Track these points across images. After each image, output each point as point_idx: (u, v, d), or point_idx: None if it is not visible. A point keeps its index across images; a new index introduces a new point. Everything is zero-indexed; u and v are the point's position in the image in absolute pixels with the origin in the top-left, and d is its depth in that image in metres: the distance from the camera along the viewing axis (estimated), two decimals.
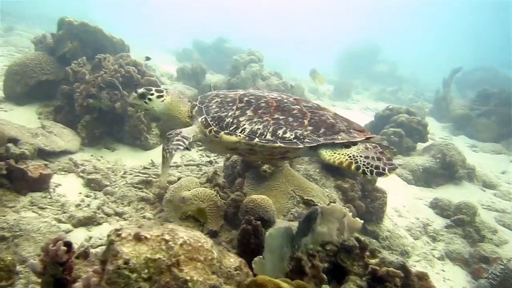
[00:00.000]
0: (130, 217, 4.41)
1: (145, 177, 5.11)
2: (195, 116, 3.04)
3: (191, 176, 5.25)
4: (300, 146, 2.69)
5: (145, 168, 5.59)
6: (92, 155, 5.73)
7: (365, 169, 2.53)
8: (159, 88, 3.18)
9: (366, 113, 16.63)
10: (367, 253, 2.97)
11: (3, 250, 3.55)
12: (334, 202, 4.29)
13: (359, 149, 2.68)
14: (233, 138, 2.79)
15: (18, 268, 3.21)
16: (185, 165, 5.86)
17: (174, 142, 2.77)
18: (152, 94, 3.09)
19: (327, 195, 4.32)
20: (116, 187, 4.86)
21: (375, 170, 2.50)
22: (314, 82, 10.84)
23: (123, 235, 2.22)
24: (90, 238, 3.90)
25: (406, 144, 7.97)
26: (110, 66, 6.11)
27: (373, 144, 2.76)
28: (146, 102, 3.10)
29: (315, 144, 2.69)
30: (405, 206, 6.09)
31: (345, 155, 2.65)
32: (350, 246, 2.88)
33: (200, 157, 6.39)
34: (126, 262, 2.01)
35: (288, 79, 12.16)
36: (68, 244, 2.24)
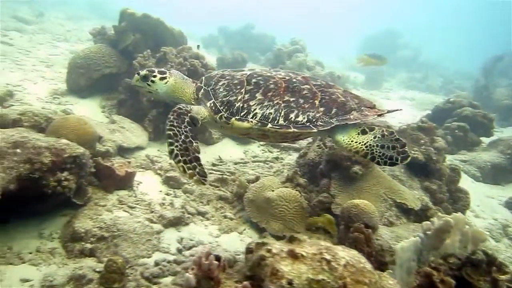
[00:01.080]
0: (212, 216, 4.38)
1: (220, 174, 5.06)
2: (201, 99, 2.93)
3: (266, 174, 5.19)
4: (314, 131, 2.66)
5: (214, 164, 5.55)
6: (159, 150, 5.72)
7: (380, 160, 2.58)
8: (162, 70, 3.08)
9: (405, 102, 16.21)
10: (494, 268, 2.85)
11: (103, 250, 3.57)
12: (427, 205, 4.16)
13: (375, 137, 2.68)
14: (245, 124, 2.72)
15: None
16: (252, 162, 5.79)
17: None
18: (155, 76, 2.98)
19: (418, 198, 4.18)
20: (193, 184, 4.83)
21: (388, 161, 2.56)
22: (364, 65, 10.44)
23: (274, 251, 2.16)
24: (182, 239, 3.89)
25: (470, 139, 7.69)
26: (175, 59, 6.03)
27: (390, 130, 2.73)
28: (149, 84, 2.99)
29: (328, 127, 2.67)
30: (479, 206, 5.90)
31: (361, 144, 2.66)
32: (478, 260, 2.75)
33: (262, 153, 6.32)
34: (290, 283, 1.95)
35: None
36: (218, 258, 2.20)
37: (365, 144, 2.67)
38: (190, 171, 2.47)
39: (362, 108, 2.81)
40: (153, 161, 5.08)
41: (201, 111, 2.85)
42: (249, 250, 2.32)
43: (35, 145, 3.56)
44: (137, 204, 4.19)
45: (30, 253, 3.42)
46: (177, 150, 2.52)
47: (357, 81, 18.75)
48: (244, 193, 4.58)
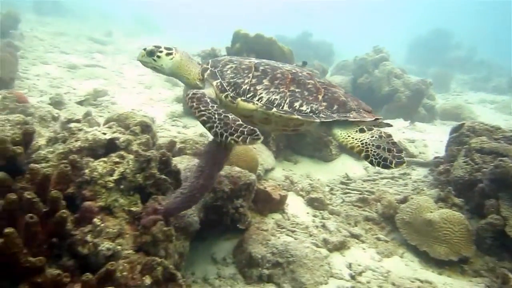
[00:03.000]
0: (366, 239, 4.30)
1: (358, 194, 4.98)
2: (207, 79, 2.89)
3: (406, 192, 5.03)
4: (316, 120, 2.69)
5: (343, 183, 5.48)
6: (283, 169, 5.76)
7: (373, 160, 2.49)
8: (169, 46, 3.02)
9: (486, 106, 15.23)
10: None
11: (280, 276, 3.60)
12: None
13: (373, 137, 2.64)
14: (250, 105, 2.72)
15: None
16: (380, 178, 5.66)
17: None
18: (161, 52, 2.95)
19: None
20: (336, 205, 4.79)
21: (382, 162, 2.47)
22: None
23: None
24: (350, 264, 3.83)
25: None
26: None
27: (388, 133, 2.66)
28: (154, 60, 2.96)
29: (330, 120, 2.70)
30: None
31: (358, 141, 2.64)
32: None
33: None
34: None
35: None
36: None
37: (361, 141, 2.64)
38: (241, 137, 2.38)
39: (361, 110, 2.83)
40: (293, 182, 5.11)
41: (210, 91, 2.82)
42: None
43: None
44: (295, 227, 4.21)
45: (216, 278, 3.53)
46: (219, 130, 2.43)
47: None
48: (393, 213, 4.45)
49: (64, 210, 2.11)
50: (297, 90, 2.79)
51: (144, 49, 3.00)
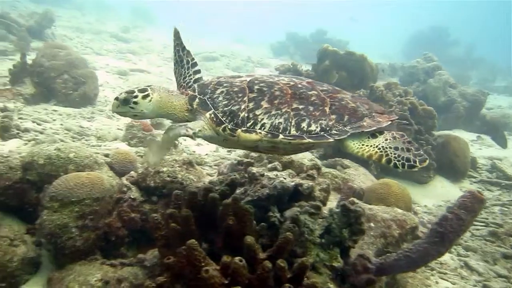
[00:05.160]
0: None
1: (483, 226, 4.78)
2: (197, 109, 2.59)
3: None
4: (330, 140, 2.41)
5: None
6: None
7: (397, 162, 2.35)
8: (142, 87, 2.67)
9: None
10: None
11: None
12: None
13: (387, 140, 2.47)
14: (253, 136, 2.40)
15: None
16: (492, 205, 5.46)
17: (181, 129, 2.39)
18: (136, 97, 2.59)
19: None
20: (467, 239, 4.58)
21: (406, 163, 2.33)
22: None
23: None
24: None
25: None
26: (392, 98, 5.82)
27: (400, 133, 2.52)
28: (132, 107, 2.59)
29: (344, 136, 2.44)
30: None
31: (374, 147, 2.45)
32: None
33: (482, 190, 5.95)
34: None
35: None
36: None
37: (377, 146, 2.45)
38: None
39: (374, 114, 2.59)
40: (416, 212, 4.88)
41: (198, 125, 2.52)
42: None
43: (383, 218, 3.45)
44: (441, 267, 4.00)
45: None
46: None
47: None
48: None
49: None
50: (300, 106, 2.48)
51: (117, 99, 2.60)
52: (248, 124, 2.43)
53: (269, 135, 2.39)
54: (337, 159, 5.61)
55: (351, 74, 6.33)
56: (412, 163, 2.32)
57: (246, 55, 16.93)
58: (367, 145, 2.47)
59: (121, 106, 2.60)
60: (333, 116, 2.49)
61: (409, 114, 5.67)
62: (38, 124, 4.64)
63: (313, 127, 2.43)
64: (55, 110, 5.48)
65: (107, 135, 4.51)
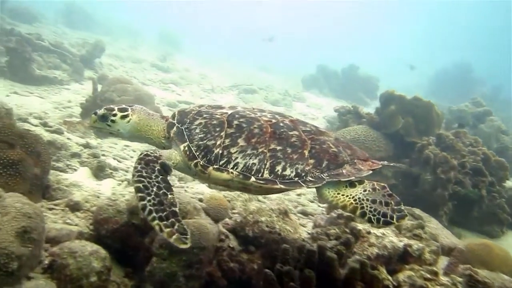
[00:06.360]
0: None
1: None
2: (173, 138, 2.51)
3: None
4: (303, 186, 2.35)
5: None
6: None
7: (372, 217, 2.21)
8: (122, 107, 2.61)
9: None
10: None
11: None
12: None
13: (365, 191, 2.35)
14: (224, 175, 2.35)
15: None
16: None
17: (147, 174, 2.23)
18: (115, 115, 2.55)
19: None
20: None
21: (382, 218, 2.19)
22: None
23: None
24: None
25: None
26: (463, 148, 5.70)
27: (382, 184, 2.38)
28: (109, 125, 2.57)
29: (319, 185, 2.34)
30: None
31: (349, 197, 2.33)
32: None
33: None
34: None
35: None
36: None
37: (353, 197, 2.33)
38: (168, 229, 2.02)
39: (355, 161, 2.50)
40: None
41: (173, 155, 2.45)
42: None
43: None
44: None
45: None
46: (150, 205, 2.08)
47: None
48: None
49: None
50: (278, 147, 2.40)
51: (95, 113, 2.59)
52: (221, 162, 2.37)
53: (240, 176, 2.33)
54: (407, 207, 5.45)
55: (417, 120, 6.26)
56: (388, 219, 2.19)
57: (280, 87, 17.11)
58: (342, 195, 2.37)
59: (98, 122, 2.60)
60: (311, 161, 2.41)
61: (482, 165, 5.53)
62: (119, 162, 4.69)
63: (287, 172, 2.35)
64: (127, 146, 5.54)
65: (187, 176, 4.50)
